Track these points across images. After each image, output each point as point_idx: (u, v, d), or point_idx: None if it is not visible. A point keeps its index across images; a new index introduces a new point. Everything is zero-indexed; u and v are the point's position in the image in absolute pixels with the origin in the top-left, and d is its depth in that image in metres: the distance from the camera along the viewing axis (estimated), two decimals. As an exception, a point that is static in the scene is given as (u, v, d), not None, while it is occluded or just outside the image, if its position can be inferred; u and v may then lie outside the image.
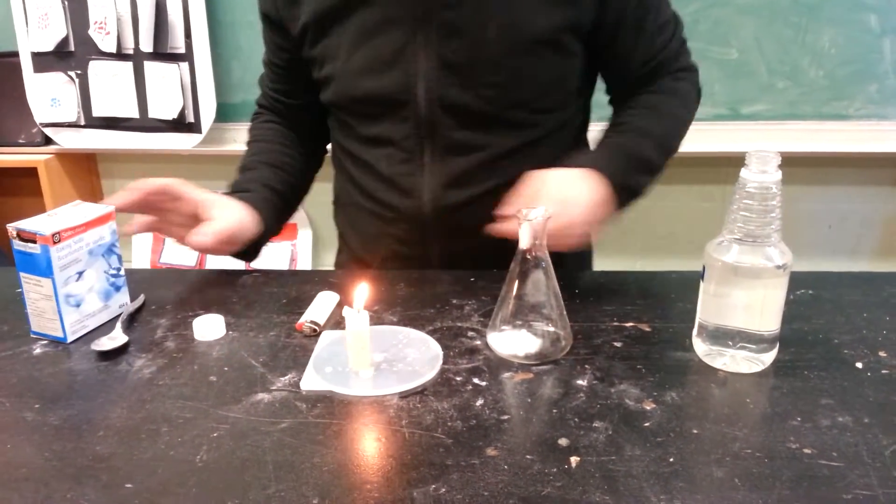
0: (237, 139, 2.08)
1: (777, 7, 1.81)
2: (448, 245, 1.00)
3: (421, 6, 0.89)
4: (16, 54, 2.05)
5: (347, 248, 0.96)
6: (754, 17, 1.82)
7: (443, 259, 1.01)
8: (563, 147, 0.99)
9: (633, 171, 0.91)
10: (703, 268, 0.72)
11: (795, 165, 2.00)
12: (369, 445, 0.62)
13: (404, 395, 0.69)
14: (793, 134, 1.90)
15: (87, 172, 2.28)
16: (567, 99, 0.98)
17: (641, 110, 0.96)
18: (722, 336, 0.71)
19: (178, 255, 2.24)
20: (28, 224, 0.77)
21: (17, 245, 0.78)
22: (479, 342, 0.78)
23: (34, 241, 0.76)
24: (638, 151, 0.92)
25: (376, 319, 0.83)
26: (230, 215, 0.92)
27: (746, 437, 0.62)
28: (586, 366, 0.73)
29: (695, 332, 0.75)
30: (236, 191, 0.99)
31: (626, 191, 0.88)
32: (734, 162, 1.76)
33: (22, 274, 0.79)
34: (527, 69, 0.91)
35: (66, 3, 1.97)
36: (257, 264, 1.04)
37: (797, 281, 0.90)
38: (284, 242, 2.18)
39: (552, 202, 0.77)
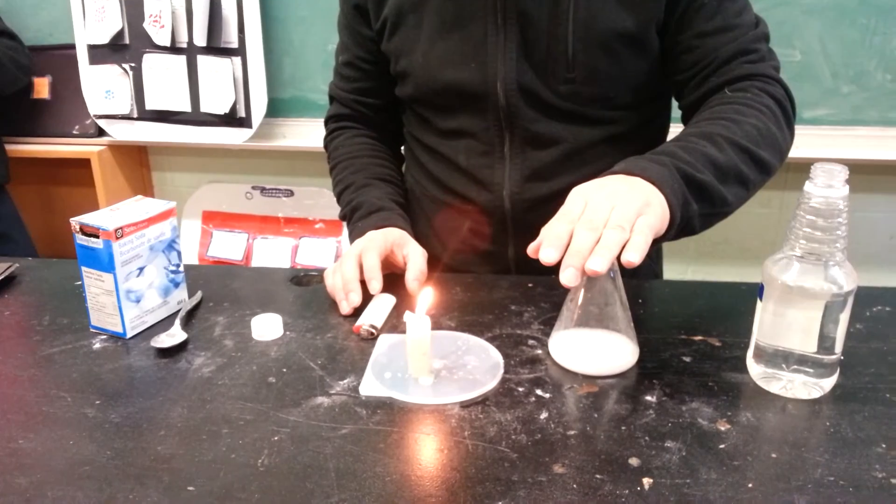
0: (287, 134, 2.09)
1: (844, 7, 1.74)
2: (525, 241, 0.97)
3: None
4: (73, 47, 2.09)
5: (419, 242, 0.95)
6: (820, 18, 1.76)
7: (518, 255, 1.01)
8: (646, 145, 0.90)
9: (687, 168, 0.77)
10: (761, 285, 0.68)
11: (859, 173, 1.92)
12: (432, 456, 0.60)
13: (465, 405, 0.67)
14: (856, 140, 1.84)
15: (138, 164, 2.31)
16: (645, 98, 0.96)
17: (704, 119, 0.86)
18: (779, 359, 0.68)
19: (226, 250, 2.26)
20: (91, 219, 0.78)
21: (80, 239, 0.78)
22: (540, 351, 0.76)
23: (97, 236, 0.76)
24: (693, 151, 0.80)
25: (434, 324, 0.81)
26: (415, 248, 0.92)
27: (829, 464, 0.58)
28: (654, 381, 0.70)
29: (750, 352, 0.71)
30: (373, 211, 0.99)
31: (680, 187, 0.74)
32: (793, 168, 1.70)
33: (83, 268, 0.79)
34: (602, 66, 0.90)
35: (123, -4, 2.00)
36: (305, 261, 1.04)
37: (873, 297, 0.86)
38: (330, 239, 2.18)
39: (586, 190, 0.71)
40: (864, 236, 2.03)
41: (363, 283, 0.86)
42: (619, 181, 0.72)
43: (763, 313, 0.68)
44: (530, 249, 0.68)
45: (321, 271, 0.95)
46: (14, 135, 2.18)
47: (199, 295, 0.89)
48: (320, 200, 2.20)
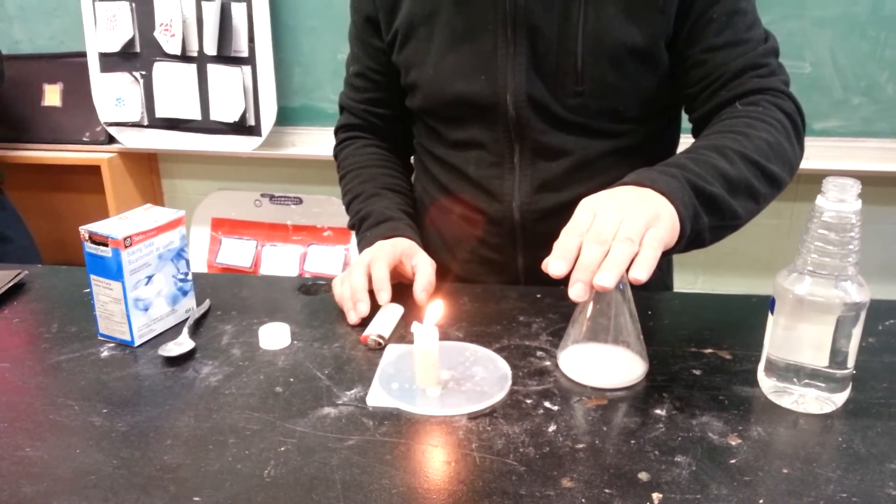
0: (296, 143, 2.09)
1: (855, 20, 1.74)
2: (535, 252, 0.96)
3: (509, 11, 0.88)
4: (84, 54, 2.10)
5: (428, 252, 0.95)
6: (830, 30, 1.75)
7: (528, 266, 1.00)
8: (654, 157, 0.88)
9: (698, 180, 0.76)
10: (773, 298, 0.68)
11: (869, 185, 1.90)
12: (439, 469, 0.60)
13: (473, 417, 0.66)
14: (867, 152, 1.83)
15: (148, 172, 2.32)
16: (654, 111, 0.95)
17: (715, 132, 0.85)
18: (791, 373, 0.67)
19: (235, 257, 2.26)
20: (100, 227, 0.78)
21: (89, 247, 0.78)
22: (548, 363, 0.76)
23: (105, 245, 0.76)
24: (702, 163, 0.79)
25: (441, 335, 0.81)
26: (424, 258, 0.92)
27: (841, 480, 0.58)
28: (664, 394, 0.69)
29: (761, 366, 0.70)
30: (382, 221, 0.98)
31: (691, 199, 0.74)
32: (804, 179, 1.69)
33: (92, 276, 0.79)
34: (611, 79, 0.89)
35: (134, 5, 2.01)
36: (313, 268, 1.03)
37: (886, 311, 0.85)
38: (338, 246, 2.18)
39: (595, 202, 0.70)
40: (875, 248, 2.02)
41: (371, 293, 0.86)
42: (629, 192, 0.71)
43: (774, 327, 0.67)
44: (543, 264, 0.67)
45: (329, 280, 0.95)
46: (25, 141, 2.19)
47: (207, 303, 0.89)
48: (329, 208, 2.20)
